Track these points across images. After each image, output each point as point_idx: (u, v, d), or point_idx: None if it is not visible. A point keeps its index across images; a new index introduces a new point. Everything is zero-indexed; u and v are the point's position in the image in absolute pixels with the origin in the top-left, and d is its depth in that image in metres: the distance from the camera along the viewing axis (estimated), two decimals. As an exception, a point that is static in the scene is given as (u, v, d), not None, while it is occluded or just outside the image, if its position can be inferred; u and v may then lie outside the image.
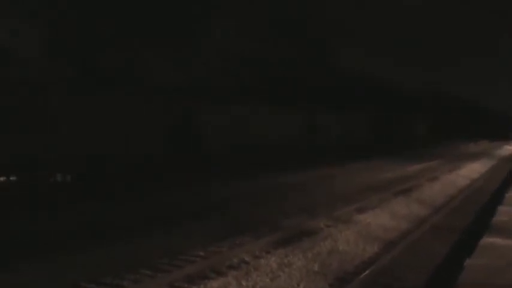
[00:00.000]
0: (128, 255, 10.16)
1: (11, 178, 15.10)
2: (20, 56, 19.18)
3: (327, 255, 10.92)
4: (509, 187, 19.91)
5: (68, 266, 9.45)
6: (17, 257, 9.76)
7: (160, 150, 20.78)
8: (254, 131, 27.89)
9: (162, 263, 9.82)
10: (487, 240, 10.33)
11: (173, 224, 12.90)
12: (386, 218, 15.03)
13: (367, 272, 10.09)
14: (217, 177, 21.05)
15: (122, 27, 22.79)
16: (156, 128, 20.78)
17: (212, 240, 11.36)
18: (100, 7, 22.39)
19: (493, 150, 58.00)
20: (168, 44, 25.43)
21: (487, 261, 8.75)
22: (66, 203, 15.17)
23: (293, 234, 12.15)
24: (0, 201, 14.27)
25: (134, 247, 10.77)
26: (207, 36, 27.66)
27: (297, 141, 32.40)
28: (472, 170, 31.81)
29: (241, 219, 13.81)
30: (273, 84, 33.14)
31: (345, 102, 41.89)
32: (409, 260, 11.28)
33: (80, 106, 17.10)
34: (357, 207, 15.85)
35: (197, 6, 27.15)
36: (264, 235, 11.91)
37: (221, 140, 24.81)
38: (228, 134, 26.07)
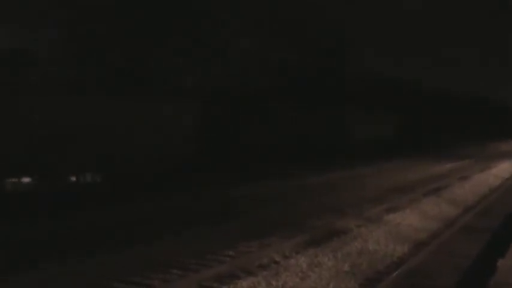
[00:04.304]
0: (157, 254, 10.26)
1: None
2: (43, 57, 19.42)
3: (357, 255, 10.88)
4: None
5: (99, 265, 9.57)
6: (44, 255, 9.96)
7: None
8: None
9: (192, 262, 9.88)
10: (520, 240, 10.17)
11: (202, 223, 13.01)
12: (416, 218, 14.92)
13: (397, 272, 10.02)
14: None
15: (141, 29, 22.98)
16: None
17: (243, 239, 11.42)
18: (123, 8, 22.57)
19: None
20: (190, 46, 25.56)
21: (521, 261, 8.62)
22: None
23: (323, 234, 12.15)
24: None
25: (163, 247, 10.88)
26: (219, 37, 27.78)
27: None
28: (504, 170, 31.39)
29: (274, 217, 13.90)
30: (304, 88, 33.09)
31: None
32: (439, 260, 11.17)
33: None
34: (387, 207, 15.78)
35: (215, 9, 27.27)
36: (294, 235, 11.92)
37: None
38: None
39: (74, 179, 16.35)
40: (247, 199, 16.88)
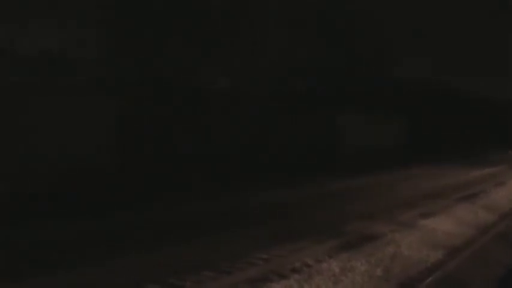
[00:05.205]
0: (190, 256, 10.33)
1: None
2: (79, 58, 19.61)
3: (390, 260, 10.79)
4: None
5: (131, 265, 9.67)
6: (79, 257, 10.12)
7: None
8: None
9: (224, 265, 9.91)
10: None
11: (237, 226, 13.09)
12: (450, 224, 14.75)
13: (431, 278, 9.92)
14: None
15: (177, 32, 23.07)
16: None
17: (276, 242, 11.43)
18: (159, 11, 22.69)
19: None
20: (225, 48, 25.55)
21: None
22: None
23: (356, 238, 12.09)
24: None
25: (197, 248, 10.96)
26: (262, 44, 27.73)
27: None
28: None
29: (307, 222, 13.90)
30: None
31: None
32: (474, 267, 11.03)
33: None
34: (421, 212, 15.64)
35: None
36: (327, 239, 11.89)
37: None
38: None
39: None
40: (270, 206, 16.77)
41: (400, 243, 11.93)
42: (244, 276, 9.16)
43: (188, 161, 19.47)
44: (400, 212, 15.76)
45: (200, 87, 22.52)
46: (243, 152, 22.52)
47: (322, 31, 33.00)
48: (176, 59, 22.89)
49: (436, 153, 41.16)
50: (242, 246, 11.15)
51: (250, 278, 9.13)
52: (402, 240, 12.18)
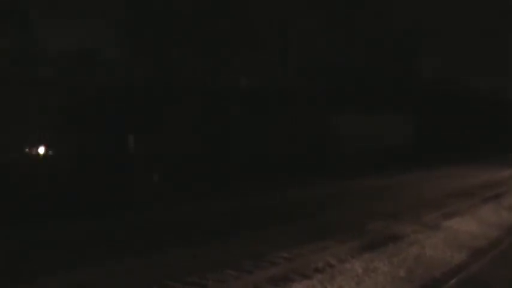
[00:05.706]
0: (213, 255, 10.34)
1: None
2: (104, 58, 19.71)
3: (414, 261, 10.70)
4: None
5: (154, 264, 9.71)
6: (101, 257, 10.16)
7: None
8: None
9: (247, 264, 9.89)
10: None
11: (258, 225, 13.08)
12: (475, 225, 14.58)
13: (455, 279, 9.81)
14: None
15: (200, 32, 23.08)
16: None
17: (297, 242, 11.38)
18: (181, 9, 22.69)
19: None
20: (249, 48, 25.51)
21: None
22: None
23: (378, 239, 12.01)
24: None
25: (219, 248, 10.96)
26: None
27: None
28: None
29: (327, 222, 13.83)
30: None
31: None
32: (499, 269, 10.88)
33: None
34: (443, 213, 15.48)
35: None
36: (349, 239, 11.82)
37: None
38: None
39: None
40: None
41: (423, 244, 11.84)
42: (266, 275, 9.14)
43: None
44: (421, 212, 15.60)
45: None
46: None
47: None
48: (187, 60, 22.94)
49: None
50: (264, 245, 11.15)
51: (273, 277, 9.11)
52: (425, 241, 12.08)
